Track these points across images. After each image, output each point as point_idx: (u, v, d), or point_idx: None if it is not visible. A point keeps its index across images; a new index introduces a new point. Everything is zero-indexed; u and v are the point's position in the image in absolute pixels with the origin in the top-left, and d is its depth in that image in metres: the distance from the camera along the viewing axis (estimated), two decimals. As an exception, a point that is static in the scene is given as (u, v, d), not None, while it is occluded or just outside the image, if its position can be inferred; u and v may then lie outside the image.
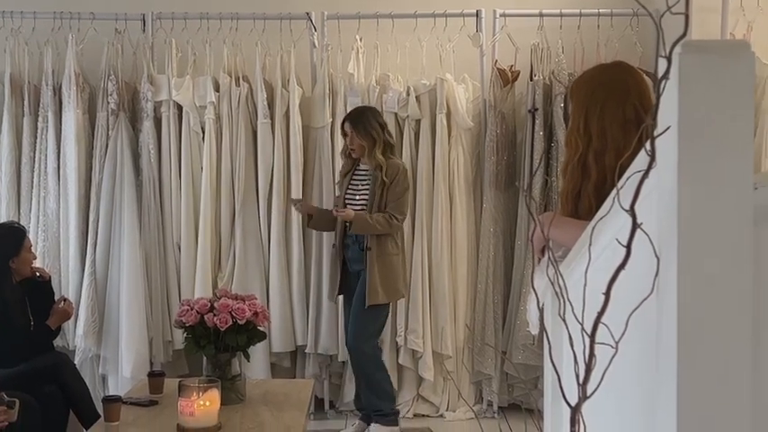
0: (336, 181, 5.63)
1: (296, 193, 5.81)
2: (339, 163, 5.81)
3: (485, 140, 5.89)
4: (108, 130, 5.76)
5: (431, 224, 5.86)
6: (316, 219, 5.41)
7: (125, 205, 5.71)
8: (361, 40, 5.90)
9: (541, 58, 5.85)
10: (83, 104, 5.80)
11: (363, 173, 5.28)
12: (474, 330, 5.91)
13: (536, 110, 5.78)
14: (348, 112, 5.46)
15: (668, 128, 1.45)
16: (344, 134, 5.30)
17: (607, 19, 5.82)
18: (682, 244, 1.46)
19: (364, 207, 5.20)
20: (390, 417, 5.35)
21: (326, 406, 5.98)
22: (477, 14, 5.92)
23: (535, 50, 5.86)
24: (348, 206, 5.25)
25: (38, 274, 4.96)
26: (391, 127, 5.60)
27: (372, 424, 5.33)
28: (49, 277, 5.07)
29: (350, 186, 5.30)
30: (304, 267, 5.89)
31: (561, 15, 5.83)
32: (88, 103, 5.87)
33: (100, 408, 4.18)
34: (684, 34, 1.41)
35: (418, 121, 5.91)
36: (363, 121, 5.21)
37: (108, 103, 5.74)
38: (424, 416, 5.93)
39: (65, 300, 5.05)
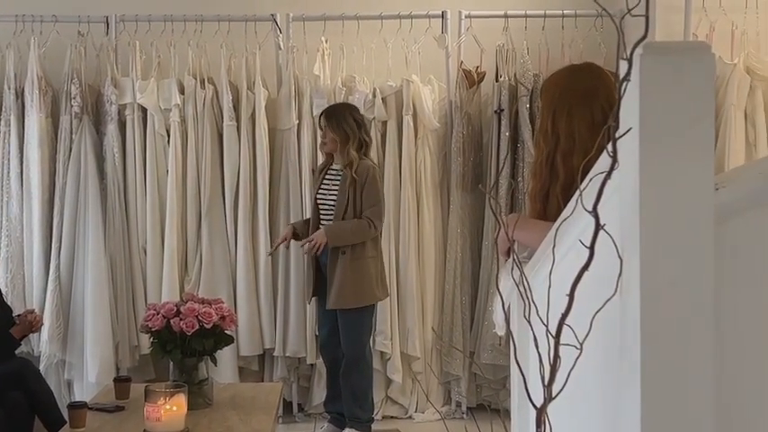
0: (310, 178, 5.61)
1: (263, 195, 5.79)
2: (306, 165, 5.81)
3: (451, 141, 5.90)
4: (71, 133, 5.70)
5: (398, 225, 5.86)
6: (301, 233, 5.37)
7: (89, 209, 5.65)
8: (326, 41, 5.89)
9: (507, 58, 5.87)
10: (46, 108, 5.74)
11: (336, 172, 5.25)
12: (442, 332, 5.91)
13: (502, 110, 5.80)
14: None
15: (629, 129, 1.46)
16: (321, 128, 5.29)
17: (571, 20, 5.84)
18: (644, 244, 1.47)
19: (334, 206, 5.18)
20: (366, 424, 5.35)
21: (295, 409, 5.96)
22: (443, 16, 5.93)
23: (500, 51, 5.88)
24: (320, 206, 5.24)
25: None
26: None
27: (347, 429, 5.32)
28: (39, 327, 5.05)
29: (322, 185, 5.27)
30: (271, 270, 5.86)
31: (526, 16, 5.86)
32: (51, 107, 5.81)
33: (66, 414, 4.14)
34: (645, 36, 1.42)
35: (385, 123, 5.91)
36: (337, 115, 5.20)
37: (71, 106, 5.68)
38: (392, 417, 5.93)
39: (32, 312, 5.01)
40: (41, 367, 5.50)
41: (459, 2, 5.99)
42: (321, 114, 5.31)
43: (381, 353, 5.84)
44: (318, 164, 5.54)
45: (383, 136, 5.91)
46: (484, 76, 5.91)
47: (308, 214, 5.56)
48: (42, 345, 5.64)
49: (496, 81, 5.86)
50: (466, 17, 5.94)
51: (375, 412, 5.58)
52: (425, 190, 5.91)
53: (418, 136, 5.90)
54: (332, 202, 5.19)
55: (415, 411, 5.95)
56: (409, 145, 5.87)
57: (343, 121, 5.15)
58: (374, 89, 5.86)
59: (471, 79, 5.87)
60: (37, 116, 5.67)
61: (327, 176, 5.27)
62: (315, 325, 5.73)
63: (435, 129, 5.93)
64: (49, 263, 5.69)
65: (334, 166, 5.26)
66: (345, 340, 5.23)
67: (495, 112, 5.83)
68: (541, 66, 5.83)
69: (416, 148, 5.90)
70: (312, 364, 5.88)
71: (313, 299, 5.44)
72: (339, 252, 5.12)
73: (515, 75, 5.83)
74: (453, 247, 5.90)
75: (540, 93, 2.80)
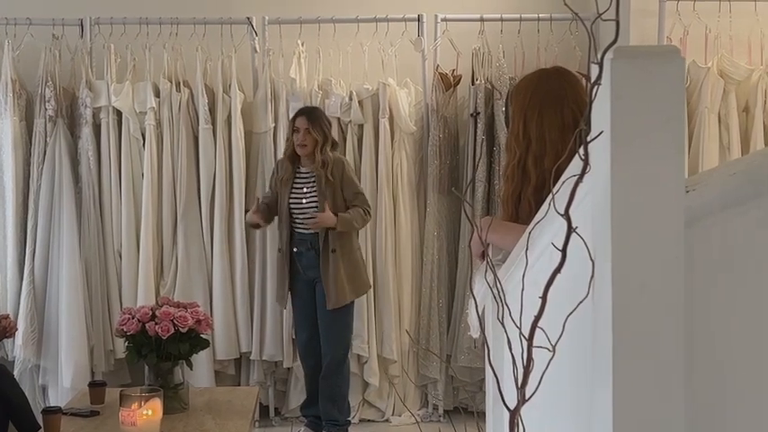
0: (275, 186, 5.43)
1: (239, 199, 5.78)
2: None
3: (427, 145, 5.92)
4: (46, 136, 5.66)
5: (375, 228, 5.86)
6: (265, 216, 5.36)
7: (64, 213, 5.62)
8: (302, 44, 5.88)
9: (483, 62, 5.89)
10: (20, 111, 5.70)
11: (306, 176, 5.25)
12: (419, 335, 5.92)
13: (478, 114, 5.81)
14: (300, 109, 5.42)
15: (601, 133, 1.47)
16: (295, 130, 5.23)
17: (547, 24, 5.87)
18: (615, 247, 1.48)
19: (315, 209, 5.18)
20: (343, 426, 5.35)
21: (272, 413, 5.95)
22: (419, 19, 5.94)
23: (476, 55, 5.90)
24: (293, 213, 5.23)
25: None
26: (334, 132, 5.59)
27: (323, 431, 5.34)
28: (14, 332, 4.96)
29: (293, 191, 5.26)
30: (248, 274, 5.85)
31: (502, 20, 5.88)
32: (25, 110, 5.77)
33: (40, 419, 4.11)
34: (615, 40, 1.43)
35: (361, 126, 5.91)
36: (319, 116, 5.26)
37: (46, 109, 5.64)
38: (369, 421, 5.93)
39: (6, 317, 4.96)
40: (16, 372, 5.45)
41: (436, 5, 6.00)
42: (298, 116, 5.28)
43: (358, 356, 5.83)
44: (279, 170, 5.41)
45: (360, 139, 5.92)
46: (460, 80, 5.93)
47: (284, 216, 5.52)
48: (16, 350, 5.60)
49: (472, 84, 5.88)
50: (442, 20, 5.96)
51: (352, 416, 5.59)
52: (402, 193, 5.92)
53: (395, 139, 5.91)
54: (312, 207, 5.18)
55: (392, 415, 5.95)
56: (386, 148, 5.88)
57: (323, 123, 5.21)
58: (350, 92, 5.86)
59: (447, 82, 5.88)
60: (11, 120, 5.63)
61: (297, 182, 5.26)
62: (291, 329, 5.72)
63: (412, 132, 5.94)
64: (24, 267, 5.65)
65: (302, 170, 5.25)
66: (330, 341, 5.23)
67: (472, 115, 5.85)
68: (517, 69, 5.85)
69: (393, 151, 5.91)
70: (289, 368, 5.86)
71: (290, 303, 5.44)
72: (329, 251, 5.12)
73: (488, 78, 5.85)
74: (430, 250, 5.91)
75: (509, 97, 2.82)
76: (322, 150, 5.16)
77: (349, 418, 5.46)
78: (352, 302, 5.34)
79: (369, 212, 5.30)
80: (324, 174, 5.12)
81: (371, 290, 5.81)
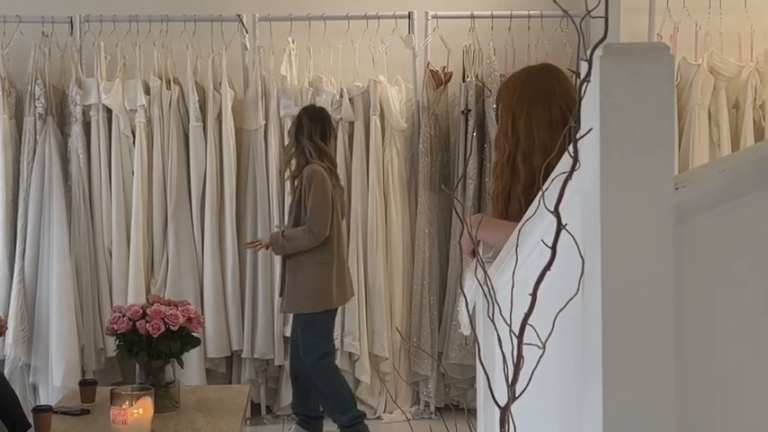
0: (277, 179, 5.63)
1: (230, 196, 5.77)
2: (273, 166, 5.80)
3: (418, 142, 5.92)
4: (36, 134, 5.65)
5: (366, 226, 5.86)
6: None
7: (54, 211, 5.60)
8: (293, 42, 5.88)
9: (473, 59, 5.89)
10: (9, 109, 5.68)
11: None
12: (410, 332, 5.92)
13: (469, 111, 5.82)
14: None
15: (590, 130, 1.47)
16: None
17: (537, 21, 5.87)
18: (605, 244, 1.48)
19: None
20: (350, 426, 5.25)
21: (263, 411, 5.95)
22: (410, 16, 5.94)
23: (467, 52, 5.90)
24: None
25: None
26: (325, 129, 5.58)
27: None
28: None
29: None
30: (239, 271, 5.84)
31: (492, 17, 5.88)
32: (15, 108, 5.75)
33: (31, 418, 4.10)
34: (605, 37, 1.43)
35: (352, 123, 5.91)
36: (292, 125, 5.32)
37: (35, 107, 5.62)
38: (361, 418, 5.93)
39: None
40: (6, 371, 5.45)
41: (426, 2, 6.00)
42: None
43: (350, 353, 5.83)
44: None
45: (350, 136, 5.92)
46: (451, 77, 5.93)
47: (275, 214, 5.60)
48: (7, 348, 5.58)
49: (463, 81, 5.88)
50: (432, 17, 5.96)
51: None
52: (393, 191, 5.92)
53: (385, 136, 5.91)
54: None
55: (384, 412, 5.95)
56: (376, 145, 5.88)
57: (292, 126, 5.25)
58: (341, 90, 5.86)
59: (438, 80, 5.89)
60: (0, 117, 5.61)
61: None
62: (283, 327, 5.72)
63: (402, 129, 5.94)
64: (13, 265, 5.64)
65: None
66: (302, 344, 5.19)
67: (462, 112, 5.85)
68: (508, 66, 5.85)
69: (384, 148, 5.91)
70: (280, 366, 5.86)
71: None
72: (286, 258, 5.16)
73: (479, 75, 5.85)
74: (421, 248, 5.91)
75: (497, 95, 2.82)
76: (287, 151, 5.24)
77: (354, 414, 5.26)
78: (323, 313, 5.21)
79: (313, 231, 4.99)
80: (291, 183, 5.15)
81: (363, 287, 5.81)
